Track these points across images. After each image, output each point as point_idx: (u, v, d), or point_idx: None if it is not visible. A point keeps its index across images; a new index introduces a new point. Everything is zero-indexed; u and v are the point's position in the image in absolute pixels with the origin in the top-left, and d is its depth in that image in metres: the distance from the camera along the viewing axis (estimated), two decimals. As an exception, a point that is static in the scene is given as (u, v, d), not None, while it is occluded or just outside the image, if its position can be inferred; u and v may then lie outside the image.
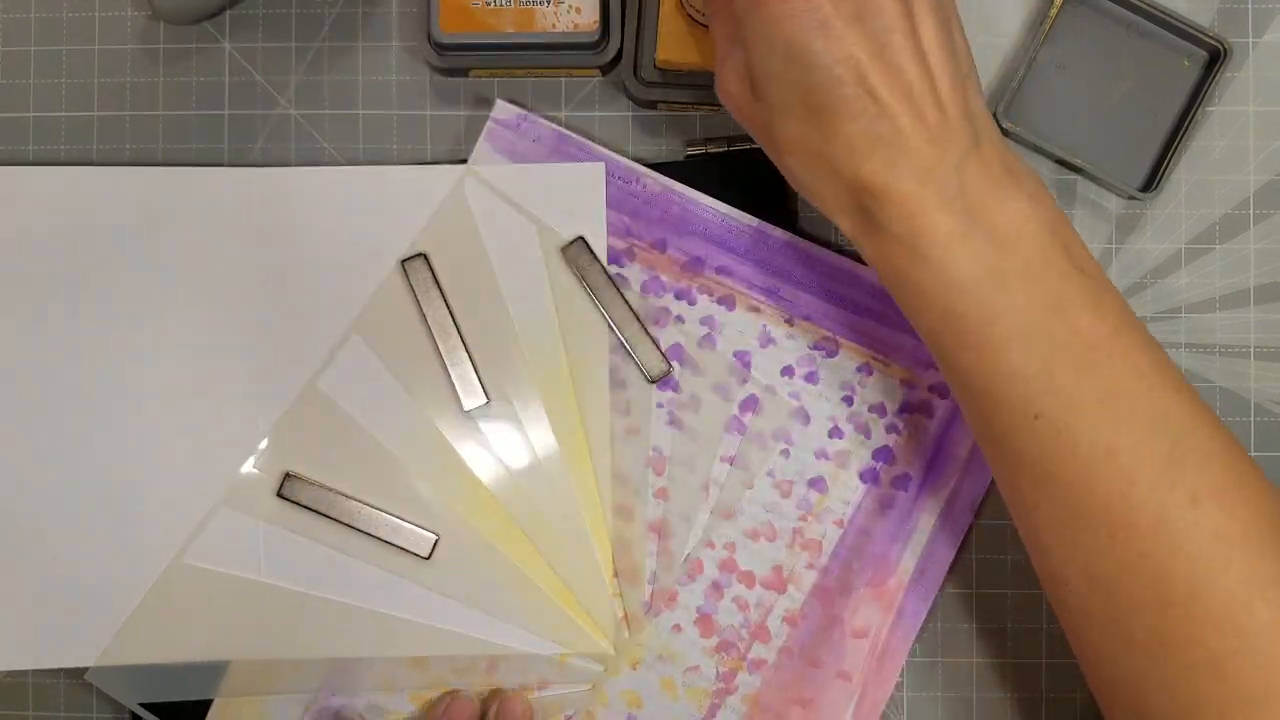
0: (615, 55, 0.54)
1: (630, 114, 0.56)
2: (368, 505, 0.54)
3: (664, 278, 0.55)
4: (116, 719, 0.55)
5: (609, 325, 0.54)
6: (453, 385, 0.54)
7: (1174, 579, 0.42)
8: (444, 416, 0.54)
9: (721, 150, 0.55)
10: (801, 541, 0.54)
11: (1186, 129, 0.54)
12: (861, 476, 0.54)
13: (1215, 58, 0.54)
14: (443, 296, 0.54)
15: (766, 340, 0.55)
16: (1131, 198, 0.54)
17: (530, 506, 0.54)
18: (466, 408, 0.54)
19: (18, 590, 0.54)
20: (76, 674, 0.54)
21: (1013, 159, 0.45)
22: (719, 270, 0.55)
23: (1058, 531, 0.44)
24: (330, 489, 0.54)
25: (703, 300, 0.55)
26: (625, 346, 0.54)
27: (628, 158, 0.55)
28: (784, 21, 0.43)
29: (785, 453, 0.55)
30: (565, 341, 0.54)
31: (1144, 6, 0.54)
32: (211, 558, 0.54)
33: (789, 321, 0.55)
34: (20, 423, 0.54)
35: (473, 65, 0.55)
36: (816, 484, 0.54)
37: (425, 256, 0.54)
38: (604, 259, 0.54)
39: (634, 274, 0.55)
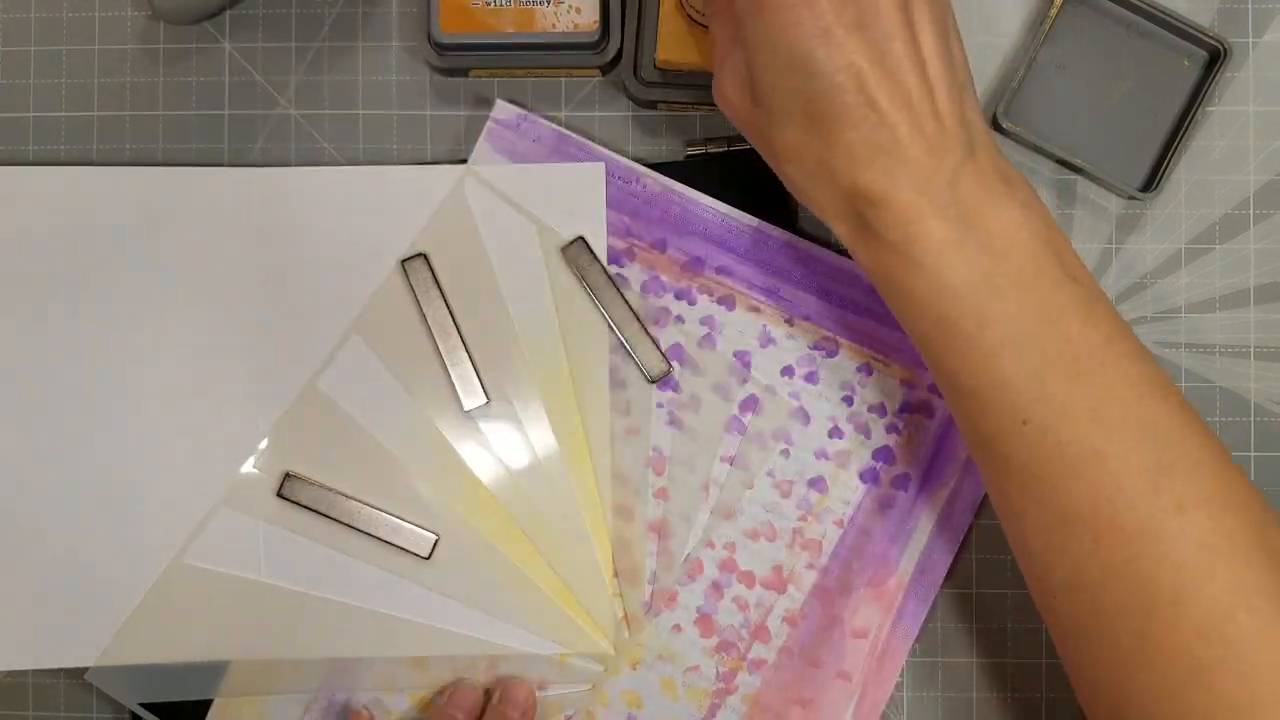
0: (615, 55, 0.54)
1: (630, 114, 0.56)
2: (368, 505, 0.54)
3: (664, 278, 0.55)
4: (116, 719, 0.55)
5: (609, 325, 0.54)
6: (453, 385, 0.54)
7: (1160, 586, 0.42)
8: (444, 416, 0.54)
9: (721, 150, 0.55)
10: (801, 541, 0.54)
11: (1186, 129, 0.54)
12: (861, 476, 0.55)
13: (1215, 58, 0.54)
14: (443, 296, 0.54)
15: (766, 340, 0.55)
16: (1131, 198, 0.54)
17: (530, 506, 0.54)
18: (466, 408, 0.54)
19: (18, 590, 0.54)
20: (76, 674, 0.54)
21: (1007, 167, 0.45)
22: (719, 270, 0.55)
23: (1044, 536, 0.44)
24: (330, 489, 0.54)
25: (703, 300, 0.55)
26: (625, 346, 0.54)
27: (628, 158, 0.55)
28: (786, 29, 0.43)
29: (785, 453, 0.55)
30: (565, 341, 0.54)
31: (1144, 6, 0.54)
32: (211, 558, 0.54)
33: (789, 321, 0.55)
34: (20, 423, 0.54)
35: (473, 65, 0.55)
36: (816, 484, 0.54)
37: (425, 256, 0.54)
38: (604, 259, 0.54)
39: (634, 274, 0.55)
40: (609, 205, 0.55)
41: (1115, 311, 0.45)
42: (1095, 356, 0.43)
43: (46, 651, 0.54)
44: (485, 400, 0.54)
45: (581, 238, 0.54)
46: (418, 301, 0.54)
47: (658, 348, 0.54)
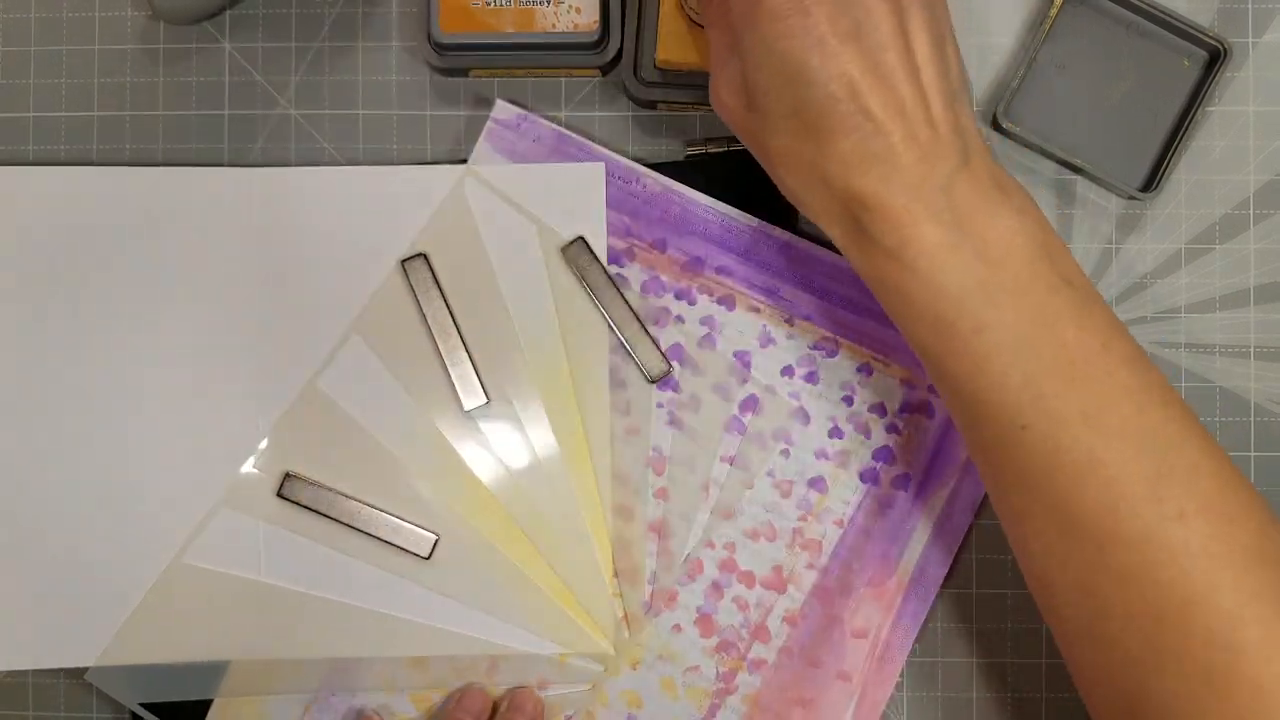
0: (615, 55, 0.54)
1: (630, 114, 0.56)
2: (368, 505, 0.54)
3: (664, 278, 0.55)
4: (116, 719, 0.55)
5: (609, 325, 0.54)
6: (453, 385, 0.54)
7: (1166, 593, 0.42)
8: (444, 416, 0.54)
9: (721, 150, 0.55)
10: (801, 541, 0.54)
11: (1186, 129, 0.54)
12: (861, 476, 0.55)
13: (1215, 58, 0.54)
14: (443, 296, 0.54)
15: (766, 340, 0.55)
16: (1131, 198, 0.54)
17: (530, 506, 0.54)
18: (466, 408, 0.54)
19: (18, 590, 0.54)
20: (76, 674, 0.54)
21: (1002, 174, 0.45)
22: (719, 270, 0.55)
23: (1047, 542, 0.44)
24: (330, 489, 0.54)
25: (703, 300, 0.55)
26: (625, 346, 0.54)
27: (628, 158, 0.55)
28: (781, 39, 0.43)
29: (785, 453, 0.55)
30: (565, 341, 0.54)
31: (1144, 6, 0.54)
32: (211, 558, 0.54)
33: (789, 321, 0.55)
34: (20, 423, 0.54)
35: (473, 65, 0.55)
36: (816, 484, 0.54)
37: (425, 256, 0.54)
38: (604, 259, 0.54)
39: (634, 274, 0.55)
40: (609, 205, 0.55)
41: (1113, 315, 0.45)
42: (1091, 362, 0.43)
43: (46, 651, 0.54)
44: (485, 400, 0.54)
45: (581, 238, 0.54)
46: (418, 301, 0.54)
47: (658, 348, 0.54)
